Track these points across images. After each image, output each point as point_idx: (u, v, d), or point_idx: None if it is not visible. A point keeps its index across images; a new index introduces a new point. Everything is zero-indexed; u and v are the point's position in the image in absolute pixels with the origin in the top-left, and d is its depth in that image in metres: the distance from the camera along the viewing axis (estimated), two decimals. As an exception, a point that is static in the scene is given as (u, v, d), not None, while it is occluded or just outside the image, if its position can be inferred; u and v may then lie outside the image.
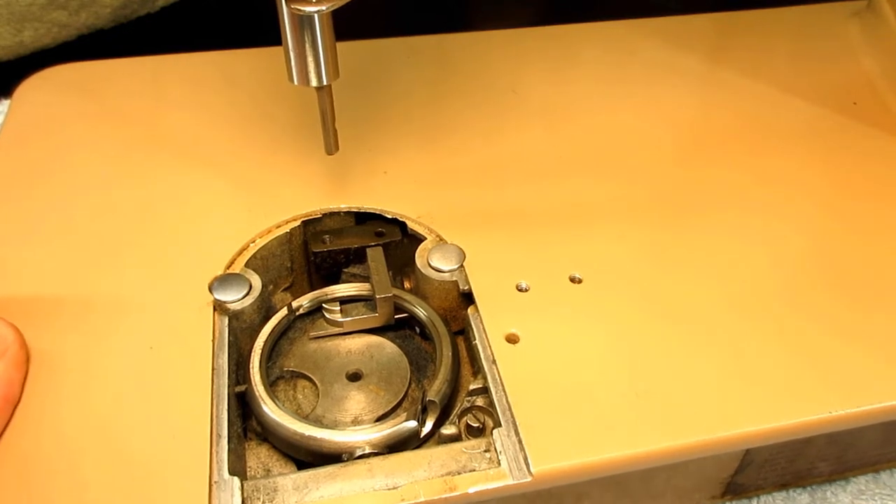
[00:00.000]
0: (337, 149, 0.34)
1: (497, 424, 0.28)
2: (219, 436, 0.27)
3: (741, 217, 0.37)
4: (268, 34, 0.37)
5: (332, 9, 0.29)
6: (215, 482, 0.26)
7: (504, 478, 0.26)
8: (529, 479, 0.26)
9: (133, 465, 0.26)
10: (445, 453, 0.27)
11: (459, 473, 0.26)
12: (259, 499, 0.26)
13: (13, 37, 0.53)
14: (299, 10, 0.28)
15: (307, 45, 0.29)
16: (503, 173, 0.39)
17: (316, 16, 0.29)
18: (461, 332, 0.35)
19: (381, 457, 0.27)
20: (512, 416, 0.28)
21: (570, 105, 0.44)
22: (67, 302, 0.32)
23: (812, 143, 0.42)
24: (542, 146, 0.41)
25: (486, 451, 0.27)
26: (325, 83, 0.31)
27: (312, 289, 0.38)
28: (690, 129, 0.43)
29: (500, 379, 0.29)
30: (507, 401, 0.28)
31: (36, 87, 0.45)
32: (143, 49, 0.47)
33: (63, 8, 0.53)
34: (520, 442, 0.27)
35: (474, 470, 0.27)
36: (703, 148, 0.42)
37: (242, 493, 0.25)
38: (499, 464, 0.27)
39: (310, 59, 0.30)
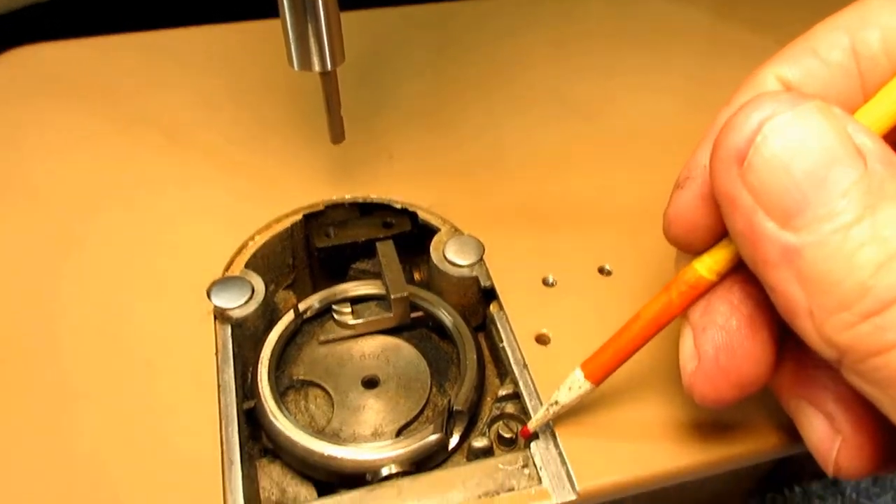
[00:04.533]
0: (343, 137, 0.31)
1: (533, 436, 0.26)
2: (230, 461, 0.25)
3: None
4: (265, 5, 0.34)
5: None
6: (230, 515, 0.23)
7: (547, 497, 0.24)
8: (574, 497, 0.24)
9: (138, 500, 0.23)
10: (480, 471, 0.25)
11: (498, 493, 0.24)
12: (280, 531, 0.23)
13: None
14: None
15: (309, 27, 0.26)
16: (519, 157, 0.36)
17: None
18: (479, 327, 0.32)
19: (410, 477, 0.25)
20: (551, 427, 0.26)
21: (582, 82, 0.42)
22: (43, 313, 0.29)
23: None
24: (558, 128, 0.38)
25: (524, 466, 0.25)
26: (329, 68, 0.27)
27: (315, 287, 0.36)
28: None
29: (533, 384, 0.27)
30: (544, 409, 0.26)
31: (9, 66, 0.41)
32: (130, 24, 0.43)
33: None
34: (561, 455, 0.25)
35: (513, 489, 0.24)
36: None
37: (261, 527, 0.23)
38: (540, 481, 0.25)
39: (312, 42, 0.27)
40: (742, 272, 0.20)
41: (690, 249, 0.22)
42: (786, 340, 0.21)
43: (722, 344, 0.20)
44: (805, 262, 0.16)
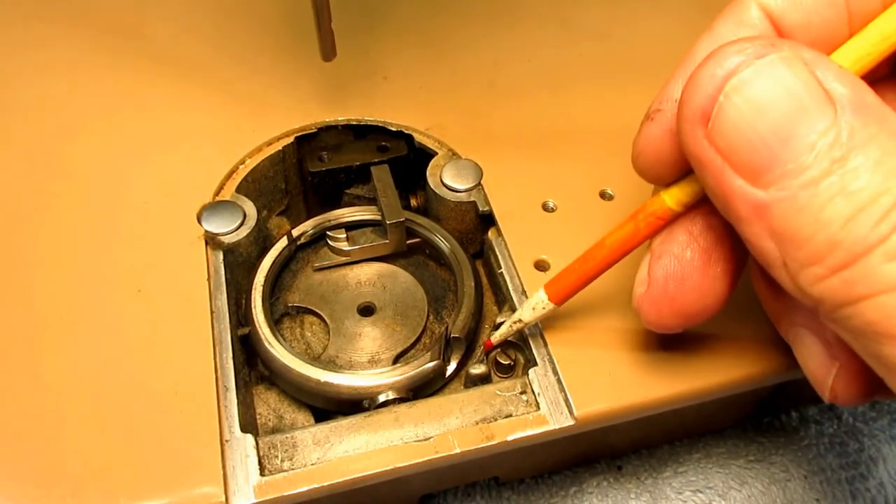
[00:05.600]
0: (335, 54, 0.29)
1: (531, 362, 0.26)
2: (225, 388, 0.24)
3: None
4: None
5: None
6: (227, 441, 0.23)
7: (545, 423, 0.24)
8: (572, 422, 0.24)
9: (132, 429, 0.23)
10: (478, 397, 0.25)
11: (495, 419, 0.24)
12: (277, 457, 0.23)
13: None
14: None
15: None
16: (519, 78, 0.35)
17: None
18: (477, 254, 0.32)
19: (407, 403, 0.25)
20: (549, 354, 0.25)
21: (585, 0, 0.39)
22: (28, 242, 0.28)
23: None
24: (560, 48, 0.37)
25: (522, 392, 0.25)
26: (318, -24, 0.26)
27: (309, 212, 0.35)
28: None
29: (532, 311, 0.26)
30: (542, 335, 0.26)
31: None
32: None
33: None
34: (559, 382, 0.25)
35: (511, 415, 0.24)
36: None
37: (258, 452, 0.23)
38: (538, 407, 0.24)
39: (300, -54, 0.25)
40: (707, 205, 0.20)
41: (658, 181, 0.21)
42: None
43: (672, 272, 0.20)
44: (775, 217, 0.16)
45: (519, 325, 0.25)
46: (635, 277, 0.22)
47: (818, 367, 0.20)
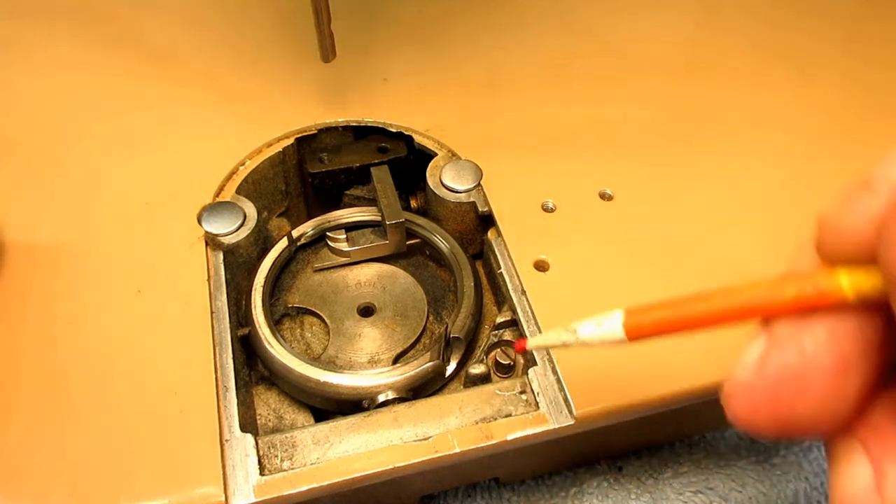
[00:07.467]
0: (334, 55, 0.29)
1: (531, 362, 0.26)
2: (225, 388, 0.24)
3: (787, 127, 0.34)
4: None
5: None
6: (226, 440, 0.23)
7: (544, 422, 0.24)
8: (572, 422, 0.24)
9: (132, 428, 0.23)
10: (477, 397, 0.25)
11: (495, 419, 0.24)
12: (277, 456, 0.23)
13: None
14: None
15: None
16: (519, 79, 0.35)
17: None
18: (477, 255, 0.32)
19: (406, 403, 0.25)
20: (548, 353, 0.25)
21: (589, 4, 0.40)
22: (30, 242, 0.28)
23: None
24: (559, 47, 0.37)
25: (521, 392, 0.25)
26: (318, -24, 0.26)
27: (309, 213, 0.35)
28: (720, 37, 0.39)
29: (532, 311, 0.26)
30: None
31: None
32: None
33: None
34: (559, 381, 0.25)
35: (510, 415, 0.24)
36: (744, 60, 0.38)
37: (258, 452, 0.23)
38: (537, 406, 0.24)
39: (300, -53, 0.25)
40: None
41: (834, 254, 0.16)
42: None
43: (792, 371, 0.16)
44: None
45: (572, 340, 0.19)
46: (740, 358, 0.17)
47: (856, 492, 0.16)
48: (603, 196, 0.30)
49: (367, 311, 0.29)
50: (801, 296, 0.16)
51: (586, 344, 0.18)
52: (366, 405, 0.25)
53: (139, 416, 0.23)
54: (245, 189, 0.31)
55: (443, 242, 0.30)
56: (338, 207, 0.32)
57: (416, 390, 0.26)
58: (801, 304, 0.16)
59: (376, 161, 0.32)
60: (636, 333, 0.17)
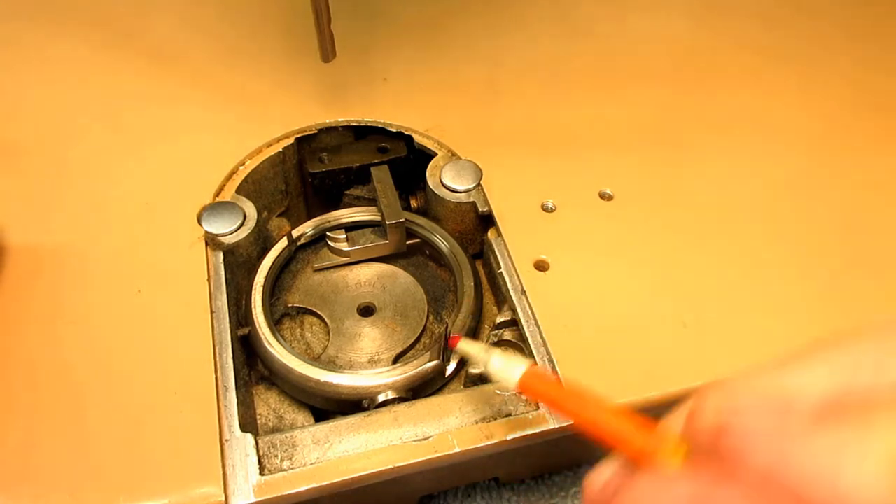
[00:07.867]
0: (334, 55, 0.29)
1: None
2: (225, 387, 0.24)
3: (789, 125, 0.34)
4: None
5: None
6: (226, 440, 0.23)
7: (544, 422, 0.24)
8: (571, 422, 0.24)
9: (132, 428, 0.23)
10: (477, 397, 0.25)
11: (495, 419, 0.24)
12: (277, 456, 0.23)
13: None
14: None
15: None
16: (518, 79, 0.35)
17: None
18: (477, 255, 0.32)
19: (406, 403, 0.25)
20: (548, 353, 0.25)
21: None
22: (30, 242, 0.28)
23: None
24: (559, 48, 0.37)
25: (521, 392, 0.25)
26: (317, -24, 0.26)
27: (309, 213, 0.35)
28: (721, 38, 0.39)
29: (532, 311, 0.26)
30: (542, 335, 0.26)
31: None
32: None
33: None
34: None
35: (510, 414, 0.24)
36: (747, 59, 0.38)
37: (258, 451, 0.23)
38: (537, 406, 0.24)
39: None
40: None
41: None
42: None
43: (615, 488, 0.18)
44: None
45: (483, 363, 0.22)
46: (593, 471, 0.19)
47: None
48: (603, 196, 0.30)
49: (367, 311, 0.29)
50: (642, 450, 0.18)
51: (488, 373, 0.22)
52: (366, 405, 0.25)
53: (139, 415, 0.23)
54: (245, 189, 0.31)
55: (443, 242, 0.30)
56: (338, 207, 0.32)
57: (416, 390, 0.26)
58: (637, 455, 0.18)
59: (376, 161, 0.32)
60: (524, 390, 0.21)
